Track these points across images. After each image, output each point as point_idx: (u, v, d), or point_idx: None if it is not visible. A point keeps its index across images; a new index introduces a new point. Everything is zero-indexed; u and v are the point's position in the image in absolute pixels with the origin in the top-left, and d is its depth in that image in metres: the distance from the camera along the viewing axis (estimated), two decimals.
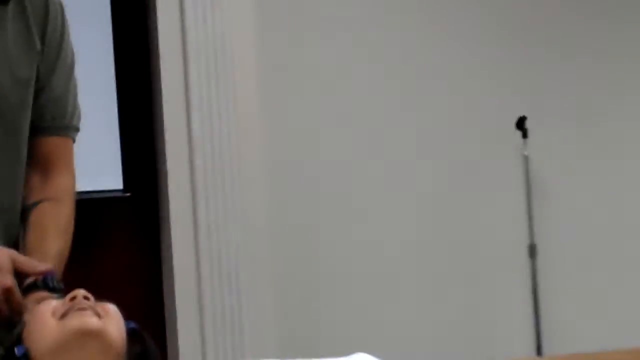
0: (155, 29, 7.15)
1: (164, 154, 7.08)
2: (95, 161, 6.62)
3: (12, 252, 2.98)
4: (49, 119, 3.37)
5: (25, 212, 3.30)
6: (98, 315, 2.62)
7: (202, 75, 7.10)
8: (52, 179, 3.39)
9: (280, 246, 7.22)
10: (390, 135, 7.49)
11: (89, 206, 6.54)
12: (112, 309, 2.70)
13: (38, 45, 3.33)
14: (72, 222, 3.35)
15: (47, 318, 2.64)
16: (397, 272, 7.38)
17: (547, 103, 7.70)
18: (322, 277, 7.33)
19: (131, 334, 2.70)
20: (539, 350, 7.28)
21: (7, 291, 2.83)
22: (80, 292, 2.68)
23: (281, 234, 7.22)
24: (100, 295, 2.75)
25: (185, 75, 7.07)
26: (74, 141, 3.47)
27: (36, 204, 3.31)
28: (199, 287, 7.01)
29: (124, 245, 7.28)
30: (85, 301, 2.66)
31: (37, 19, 3.33)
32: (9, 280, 2.84)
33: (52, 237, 3.28)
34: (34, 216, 3.29)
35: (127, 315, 2.77)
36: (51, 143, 3.39)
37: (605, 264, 7.48)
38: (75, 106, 3.46)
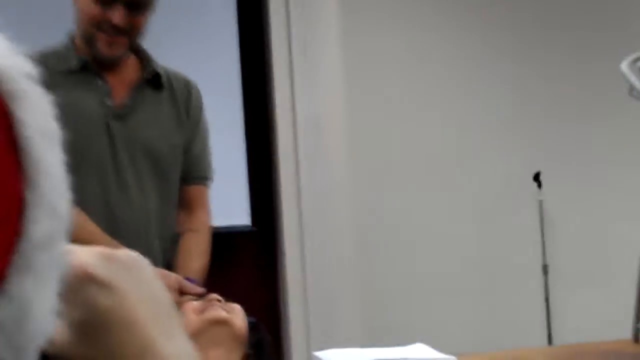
0: (273, 102, 8.42)
1: (280, 198, 8.37)
2: (229, 203, 7.58)
3: (179, 277, 3.38)
4: (192, 172, 3.73)
5: (175, 241, 3.67)
6: (226, 311, 3.01)
7: (307, 138, 8.37)
8: (194, 215, 3.75)
9: (365, 269, 8.46)
10: (447, 186, 8.73)
11: (226, 238, 7.69)
12: (237, 307, 3.06)
13: (184, 120, 3.68)
14: (209, 247, 3.70)
15: (189, 313, 2.98)
16: (451, 283, 8.64)
17: (557, 160, 8.83)
18: (397, 284, 8.59)
19: (251, 326, 3.03)
20: (549, 341, 8.35)
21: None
22: (214, 295, 3.11)
23: (366, 262, 8.46)
24: (231, 299, 3.16)
25: (294, 137, 8.36)
26: (209, 187, 3.81)
27: (182, 234, 3.68)
28: (305, 293, 8.35)
29: (250, 263, 8.56)
30: (217, 302, 3.06)
31: (183, 100, 3.67)
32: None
33: (195, 258, 3.64)
34: (181, 243, 3.65)
35: (249, 313, 3.13)
36: (193, 189, 3.75)
37: (599, 277, 8.59)
38: (209, 163, 3.80)
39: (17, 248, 0.70)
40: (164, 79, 3.62)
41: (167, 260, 3.61)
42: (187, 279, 3.42)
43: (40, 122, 0.74)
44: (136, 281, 0.88)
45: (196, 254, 3.67)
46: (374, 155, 8.62)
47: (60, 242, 0.75)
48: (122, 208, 3.46)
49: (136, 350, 0.85)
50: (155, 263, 3.31)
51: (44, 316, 0.73)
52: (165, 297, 0.91)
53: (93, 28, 3.43)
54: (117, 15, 3.40)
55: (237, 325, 2.97)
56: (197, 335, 2.90)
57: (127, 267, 0.89)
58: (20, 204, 0.70)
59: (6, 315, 0.69)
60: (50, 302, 0.74)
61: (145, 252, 3.07)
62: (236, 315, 3.01)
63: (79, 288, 0.86)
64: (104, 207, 3.43)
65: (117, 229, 3.43)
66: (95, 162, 3.46)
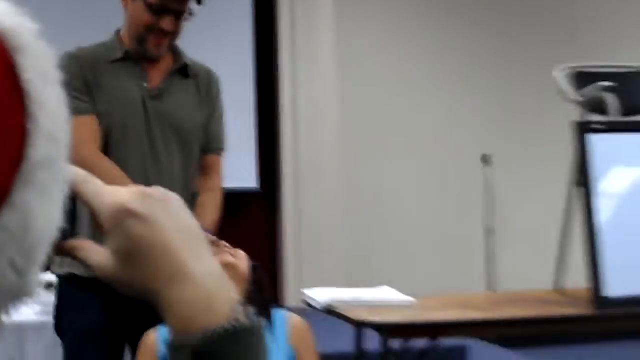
0: (279, 89, 8.53)
1: (282, 167, 8.55)
2: (239, 168, 7.54)
3: None
4: (209, 144, 3.63)
5: (194, 199, 3.56)
6: (233, 255, 2.95)
7: (305, 120, 8.47)
8: (209, 178, 3.65)
9: (348, 226, 8.56)
10: (415, 162, 8.86)
11: (237, 197, 7.66)
12: (241, 253, 3.01)
13: (205, 102, 3.60)
14: (221, 204, 3.61)
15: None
16: (415, 240, 8.75)
17: (502, 144, 8.84)
18: (373, 238, 8.70)
19: (253, 269, 3.00)
20: (490, 288, 8.13)
21: None
22: (223, 243, 3.03)
23: (349, 220, 8.56)
24: (239, 247, 3.04)
25: (295, 117, 8.46)
26: (222, 157, 3.71)
27: (200, 193, 3.61)
28: (300, 244, 8.45)
29: (257, 218, 8.62)
30: (226, 248, 3.00)
31: (204, 87, 3.60)
32: None
33: (209, 212, 3.55)
34: (199, 201, 3.57)
35: (252, 258, 3.04)
36: (210, 158, 3.64)
37: (531, 238, 8.59)
38: (224, 137, 3.70)
39: (20, 168, 0.72)
40: (190, 69, 3.56)
41: None
42: (203, 230, 3.34)
43: (40, 67, 0.74)
44: (168, 213, 0.87)
45: (210, 209, 3.59)
46: (358, 136, 8.81)
47: (60, 163, 0.77)
48: (153, 170, 3.42)
49: (170, 272, 0.84)
50: None
51: (47, 223, 0.75)
52: (194, 226, 0.90)
53: (145, 32, 3.39)
54: (167, 23, 3.38)
55: (241, 268, 2.94)
56: None
57: (161, 202, 0.87)
58: (22, 133, 0.72)
59: (12, 221, 0.71)
60: (52, 211, 0.75)
61: None
62: (241, 259, 2.97)
63: (120, 221, 0.85)
64: (140, 168, 3.38)
65: (149, 186, 3.39)
66: (134, 132, 3.41)
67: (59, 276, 3.47)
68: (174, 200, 0.90)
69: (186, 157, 3.54)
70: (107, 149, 3.42)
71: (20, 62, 0.73)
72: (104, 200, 0.87)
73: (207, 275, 0.87)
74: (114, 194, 0.87)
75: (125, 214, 0.85)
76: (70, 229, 0.87)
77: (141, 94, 3.46)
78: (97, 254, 0.88)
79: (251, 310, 0.87)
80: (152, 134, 3.45)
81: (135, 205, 0.86)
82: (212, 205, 3.60)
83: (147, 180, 3.25)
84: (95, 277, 0.92)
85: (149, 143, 3.45)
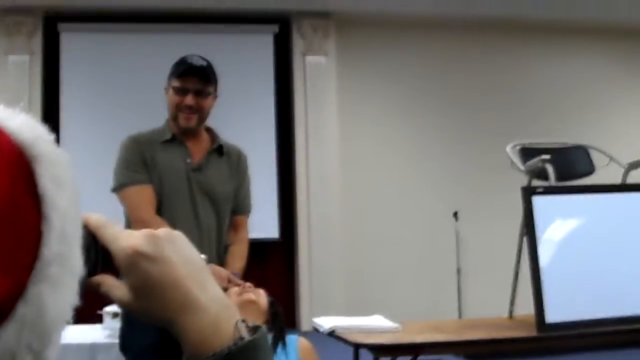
0: (295, 161, 8.52)
1: (297, 221, 8.52)
2: (264, 222, 7.63)
3: (228, 272, 3.32)
4: (239, 208, 3.58)
5: (226, 250, 3.52)
6: (254, 294, 3.00)
7: (315, 183, 8.49)
8: (238, 233, 3.59)
9: (349, 268, 8.56)
10: (401, 214, 8.83)
11: (262, 246, 7.65)
12: (261, 291, 3.03)
13: (235, 175, 3.56)
14: (247, 253, 3.55)
15: (232, 295, 2.96)
16: (400, 276, 8.70)
17: (470, 201, 8.92)
18: (369, 276, 8.63)
19: (270, 303, 3.01)
20: (460, 316, 8.32)
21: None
22: (247, 284, 3.08)
23: (350, 263, 8.55)
24: (262, 287, 3.09)
25: (307, 183, 8.51)
26: (248, 217, 3.66)
27: (230, 245, 3.55)
28: (311, 282, 8.40)
29: (278, 263, 8.53)
30: (249, 288, 3.04)
31: (235, 163, 3.56)
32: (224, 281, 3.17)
33: (238, 260, 3.50)
34: (230, 251, 3.53)
35: (273, 295, 3.11)
36: (239, 218, 3.60)
37: (493, 276, 7.92)
38: (249, 202, 3.65)
39: (35, 265, 0.67)
40: (224, 148, 3.53)
41: (220, 260, 3.47)
42: (233, 274, 3.32)
43: (54, 173, 0.70)
44: (174, 250, 0.82)
45: (239, 257, 3.54)
46: (356, 197, 8.81)
47: (71, 257, 0.71)
48: (195, 228, 3.36)
49: (180, 302, 0.79)
50: (213, 261, 3.32)
51: (60, 309, 0.69)
52: (197, 258, 0.84)
53: (176, 110, 3.41)
54: (189, 99, 3.38)
55: (261, 303, 2.97)
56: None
57: (167, 240, 0.82)
58: (37, 234, 0.67)
59: (27, 312, 0.66)
60: (64, 299, 0.70)
61: (208, 254, 3.24)
62: (260, 296, 3.00)
63: (133, 263, 0.80)
64: (186, 227, 3.23)
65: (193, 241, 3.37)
66: (180, 198, 3.39)
67: None
68: (179, 237, 0.85)
69: (219, 218, 3.50)
70: (160, 210, 3.39)
71: (37, 169, 0.69)
72: (120, 244, 0.81)
73: (212, 301, 0.82)
74: (129, 238, 0.82)
75: (138, 256, 0.80)
76: (94, 266, 0.83)
77: (185, 168, 3.43)
78: (118, 289, 0.83)
79: (250, 325, 0.82)
80: (194, 200, 3.42)
81: (146, 247, 0.81)
82: (240, 254, 3.56)
83: (190, 236, 3.20)
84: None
85: (192, 206, 3.41)
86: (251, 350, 0.79)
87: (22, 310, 0.66)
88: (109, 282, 0.84)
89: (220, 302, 0.83)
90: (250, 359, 0.79)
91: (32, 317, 0.67)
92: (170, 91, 3.44)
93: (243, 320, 0.82)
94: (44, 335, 0.69)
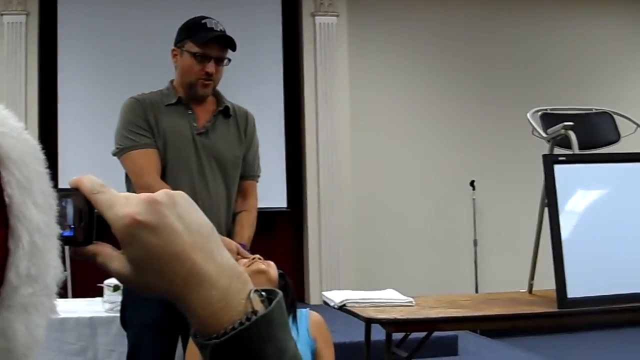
0: (304, 128, 8.53)
1: (306, 190, 8.50)
2: (272, 192, 7.61)
3: (235, 243, 3.31)
4: (247, 172, 3.58)
5: (234, 215, 3.53)
6: (264, 265, 3.04)
7: (325, 151, 8.48)
8: (246, 200, 3.59)
9: (360, 238, 8.54)
10: (415, 186, 8.79)
11: (270, 215, 7.74)
12: (271, 263, 3.08)
13: (243, 138, 3.57)
14: (255, 221, 3.55)
15: (241, 265, 2.61)
16: (414, 249, 8.67)
17: (485, 172, 8.88)
18: (380, 248, 8.62)
19: (280, 275, 3.07)
20: (476, 290, 8.29)
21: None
22: (257, 255, 3.12)
23: (361, 233, 8.54)
24: (270, 257, 3.15)
25: (317, 151, 8.47)
26: (257, 182, 3.65)
27: (238, 212, 3.56)
28: (320, 254, 8.40)
29: (285, 233, 8.56)
30: (259, 259, 3.07)
31: (243, 125, 3.57)
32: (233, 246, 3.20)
33: (246, 228, 3.51)
34: (238, 219, 3.54)
35: (281, 266, 3.16)
36: (247, 183, 3.59)
37: (510, 248, 8.35)
38: (258, 166, 3.64)
39: (0, 292, 0.61)
40: (231, 111, 3.53)
41: (228, 230, 3.46)
42: (241, 244, 3.31)
43: (20, 176, 0.63)
44: (177, 215, 0.75)
45: (246, 226, 3.53)
46: (367, 166, 8.75)
47: (45, 272, 0.65)
48: (202, 193, 3.36)
49: (183, 274, 0.74)
50: (221, 231, 3.30)
51: (32, 337, 0.64)
52: (204, 222, 0.78)
53: (194, 77, 3.40)
54: (211, 66, 3.39)
55: (271, 274, 2.98)
56: None
57: (168, 206, 0.76)
58: (3, 252, 0.61)
59: None
60: (37, 324, 0.65)
61: (216, 223, 3.18)
62: (271, 267, 3.01)
63: (131, 233, 0.74)
64: (192, 192, 3.28)
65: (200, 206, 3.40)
66: (185, 162, 3.39)
67: None
68: (181, 199, 0.79)
69: (228, 183, 3.49)
70: (164, 176, 3.38)
71: (2, 174, 0.63)
72: (116, 212, 0.76)
73: (221, 271, 0.76)
74: (126, 205, 0.76)
75: (137, 225, 0.75)
76: (88, 234, 0.79)
77: (191, 131, 3.44)
78: (115, 261, 0.78)
79: (266, 293, 0.79)
80: (201, 165, 3.42)
81: (145, 216, 0.75)
82: (248, 223, 3.55)
83: (196, 201, 3.19)
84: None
85: (198, 171, 3.42)
86: (262, 326, 0.75)
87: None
88: (105, 252, 0.79)
89: (231, 271, 0.78)
90: (263, 335, 0.75)
91: (1, 346, 0.62)
92: (187, 56, 3.43)
93: (257, 290, 0.79)
94: (20, 357, 0.64)
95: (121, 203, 0.77)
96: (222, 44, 3.43)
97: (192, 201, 0.81)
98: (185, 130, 3.44)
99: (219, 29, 3.43)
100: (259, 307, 0.77)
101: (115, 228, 0.76)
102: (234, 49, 3.45)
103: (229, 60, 3.49)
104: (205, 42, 3.40)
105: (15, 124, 0.66)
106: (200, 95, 3.47)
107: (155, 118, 3.42)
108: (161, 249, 0.75)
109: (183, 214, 0.78)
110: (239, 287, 0.77)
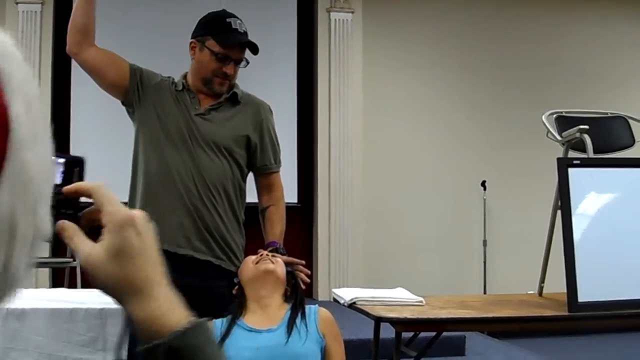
0: (316, 124, 8.54)
1: (317, 187, 8.51)
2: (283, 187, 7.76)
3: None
4: (267, 165, 3.51)
5: (262, 213, 3.48)
6: (273, 263, 3.01)
7: (336, 148, 8.49)
8: (272, 194, 3.54)
9: (369, 236, 8.57)
10: (427, 185, 8.79)
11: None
12: (280, 260, 3.05)
13: (250, 128, 3.46)
14: (284, 214, 3.50)
15: (249, 263, 3.02)
16: (425, 249, 8.69)
17: (497, 172, 8.89)
18: (389, 247, 8.61)
19: (289, 274, 3.06)
20: (484, 291, 8.30)
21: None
22: (265, 252, 3.08)
23: (370, 231, 8.58)
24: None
25: (329, 147, 8.46)
26: (278, 172, 3.59)
27: (266, 208, 3.49)
28: (329, 250, 8.40)
29: (296, 229, 8.15)
30: (267, 257, 3.04)
31: (253, 112, 3.49)
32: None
33: (277, 225, 3.46)
34: (266, 216, 3.47)
35: (291, 263, 3.12)
36: (271, 176, 3.53)
37: (520, 249, 8.37)
38: (278, 156, 3.58)
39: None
40: (240, 98, 3.47)
41: (230, 218, 3.40)
42: (272, 242, 3.30)
43: (23, 98, 0.71)
44: (150, 240, 0.87)
45: (277, 220, 3.48)
46: (379, 163, 8.75)
47: (41, 206, 0.71)
48: (193, 169, 3.34)
49: (144, 278, 0.85)
50: (220, 221, 3.34)
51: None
52: (158, 256, 0.89)
53: (211, 75, 3.39)
54: (230, 68, 3.37)
55: (279, 273, 2.98)
56: (253, 279, 2.97)
57: (149, 231, 0.88)
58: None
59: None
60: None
61: (212, 209, 3.28)
62: (279, 266, 3.01)
63: (124, 226, 0.86)
64: (179, 166, 3.32)
65: (200, 179, 3.39)
66: (178, 139, 3.35)
67: None
68: (151, 234, 0.90)
69: (230, 167, 3.42)
70: (154, 156, 3.37)
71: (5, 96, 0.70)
72: (118, 208, 0.88)
73: (164, 295, 0.88)
74: (126, 208, 0.88)
75: (133, 223, 0.86)
76: (72, 215, 0.89)
77: (191, 112, 3.41)
78: (88, 245, 0.88)
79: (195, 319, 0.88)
80: (193, 142, 3.37)
81: (140, 222, 0.87)
82: (277, 217, 3.51)
83: (189, 185, 3.30)
84: None
85: (190, 148, 3.37)
86: (202, 332, 0.86)
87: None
88: (80, 235, 0.89)
89: (172, 297, 0.88)
90: (203, 340, 0.85)
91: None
92: (207, 52, 3.42)
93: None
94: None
95: (122, 206, 0.89)
96: (246, 47, 3.41)
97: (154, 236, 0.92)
98: (184, 111, 3.42)
99: (242, 30, 3.41)
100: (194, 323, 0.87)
101: (113, 216, 0.87)
102: (256, 53, 3.42)
103: (248, 62, 3.47)
104: (228, 45, 3.39)
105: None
106: (215, 91, 3.45)
107: (158, 92, 3.46)
108: (138, 251, 0.87)
109: (152, 244, 0.89)
110: (177, 315, 0.88)
